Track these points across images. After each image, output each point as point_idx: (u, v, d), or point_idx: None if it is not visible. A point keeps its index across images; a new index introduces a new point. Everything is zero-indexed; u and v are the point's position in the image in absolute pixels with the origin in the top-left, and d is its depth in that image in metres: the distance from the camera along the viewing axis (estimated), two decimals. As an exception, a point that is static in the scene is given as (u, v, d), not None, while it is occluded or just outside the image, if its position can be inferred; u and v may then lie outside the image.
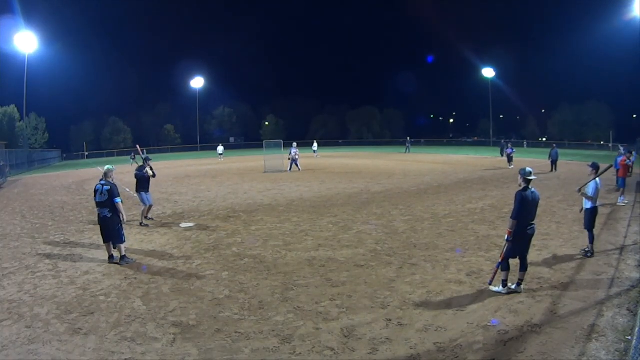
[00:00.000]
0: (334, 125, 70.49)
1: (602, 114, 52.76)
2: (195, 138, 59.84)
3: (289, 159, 22.00)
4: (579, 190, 6.57)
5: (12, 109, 43.70)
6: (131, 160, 28.37)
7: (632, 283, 5.26)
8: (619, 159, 11.64)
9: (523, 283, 5.11)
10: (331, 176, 19.19)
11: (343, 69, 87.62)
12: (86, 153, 51.97)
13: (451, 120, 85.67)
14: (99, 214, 6.48)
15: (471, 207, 10.67)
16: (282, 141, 25.18)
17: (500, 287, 5.04)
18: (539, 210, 5.36)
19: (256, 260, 6.59)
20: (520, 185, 5.05)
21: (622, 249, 6.85)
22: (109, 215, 6.39)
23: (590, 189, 6.43)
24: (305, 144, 35.44)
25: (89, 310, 4.78)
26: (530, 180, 5.00)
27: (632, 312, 4.42)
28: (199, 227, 9.10)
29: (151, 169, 9.59)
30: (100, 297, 5.17)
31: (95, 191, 6.47)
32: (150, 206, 9.70)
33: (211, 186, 16.37)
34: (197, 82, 59.27)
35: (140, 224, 9.28)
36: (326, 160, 30.55)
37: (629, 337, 3.85)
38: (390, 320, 4.41)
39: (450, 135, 75.92)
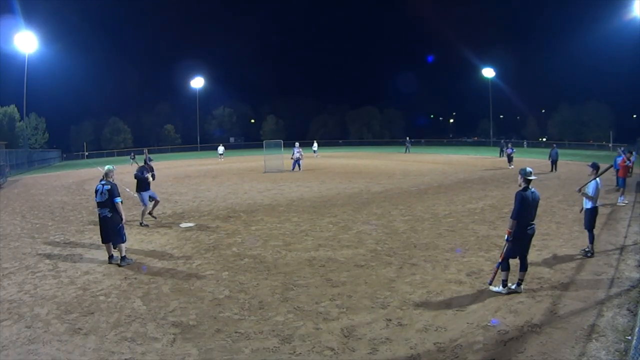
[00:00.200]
0: (334, 125, 70.55)
1: (602, 114, 52.80)
2: (195, 138, 59.88)
3: (292, 158, 21.96)
4: (579, 190, 6.58)
5: (12, 109, 43.68)
6: (131, 161, 28.38)
7: (632, 283, 5.26)
8: (619, 160, 11.66)
9: (523, 283, 5.11)
10: (331, 176, 19.19)
11: (343, 69, 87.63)
12: (86, 153, 51.99)
13: (451, 120, 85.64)
14: (99, 214, 6.50)
15: (471, 207, 10.67)
16: (282, 141, 25.19)
17: (500, 287, 5.04)
18: (539, 210, 5.36)
19: (256, 260, 6.60)
20: (520, 185, 5.05)
21: (622, 249, 6.85)
22: (109, 215, 6.40)
23: (590, 189, 6.43)
24: (305, 144, 35.44)
25: (89, 310, 4.78)
26: (530, 180, 5.00)
27: (632, 312, 4.42)
28: (199, 227, 9.10)
29: (152, 172, 9.59)
30: (100, 297, 5.17)
31: (96, 191, 6.49)
32: (157, 202, 9.78)
33: (211, 186, 16.36)
34: (197, 82, 59.34)
35: (140, 224, 9.28)
36: (326, 160, 30.58)
37: (629, 337, 3.85)
38: (390, 320, 4.41)
39: (450, 135, 75.98)
